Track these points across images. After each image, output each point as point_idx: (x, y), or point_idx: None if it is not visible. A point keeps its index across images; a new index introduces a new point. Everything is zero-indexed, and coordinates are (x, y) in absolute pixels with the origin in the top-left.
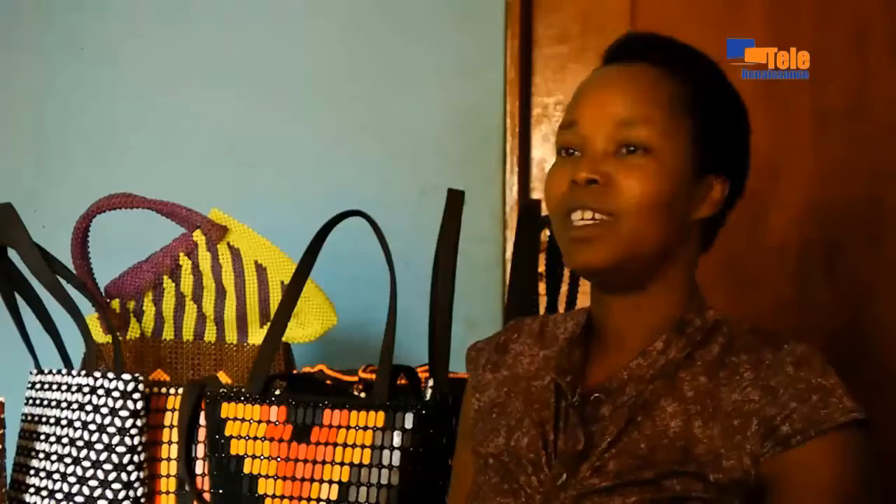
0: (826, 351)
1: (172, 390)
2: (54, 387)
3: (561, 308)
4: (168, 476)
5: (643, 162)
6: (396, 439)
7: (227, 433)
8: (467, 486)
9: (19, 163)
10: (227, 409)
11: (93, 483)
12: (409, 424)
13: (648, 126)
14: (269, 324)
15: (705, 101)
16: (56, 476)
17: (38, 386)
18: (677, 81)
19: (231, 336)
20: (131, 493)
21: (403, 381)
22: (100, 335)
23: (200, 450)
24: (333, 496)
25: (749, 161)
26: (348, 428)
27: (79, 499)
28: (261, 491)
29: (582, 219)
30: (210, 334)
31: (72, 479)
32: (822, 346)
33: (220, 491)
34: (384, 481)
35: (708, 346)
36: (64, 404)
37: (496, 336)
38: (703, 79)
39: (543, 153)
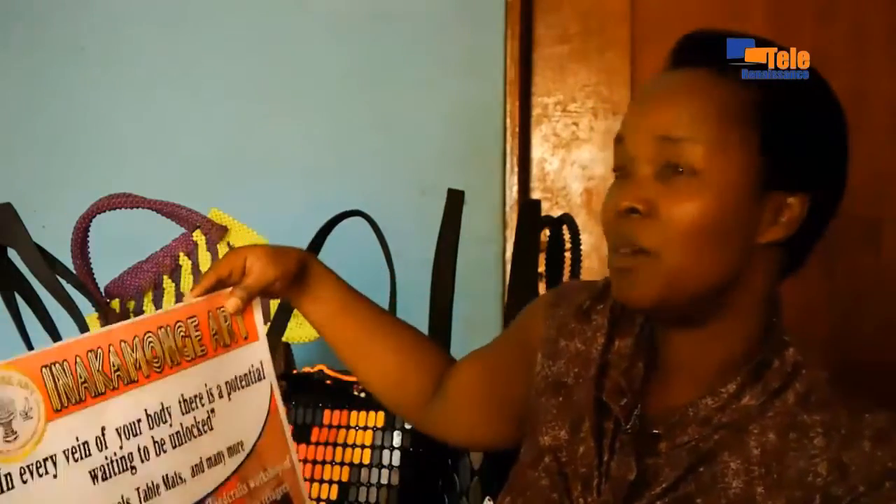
0: (825, 351)
1: None
2: None
3: None
4: None
5: (688, 185)
6: (396, 439)
7: None
8: (492, 357)
9: (19, 163)
10: None
11: None
12: (409, 424)
13: (694, 143)
14: (268, 324)
15: (777, 108)
16: None
17: None
18: (739, 87)
19: None
20: None
21: None
22: None
23: None
24: (333, 496)
25: (842, 173)
26: (348, 428)
27: None
28: None
29: (624, 251)
30: None
31: None
32: (821, 347)
33: None
34: (384, 481)
35: (784, 395)
36: None
37: (581, 294)
38: (775, 83)
39: (543, 153)
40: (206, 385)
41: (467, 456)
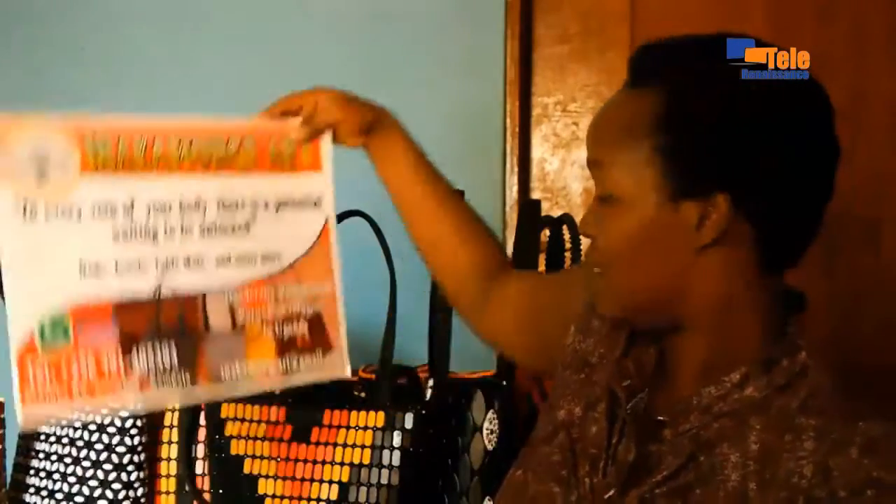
0: (824, 352)
1: None
2: None
3: None
4: (168, 476)
5: (611, 210)
6: (396, 439)
7: (227, 433)
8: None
9: None
10: (227, 409)
11: (93, 483)
12: (409, 424)
13: (609, 167)
14: None
15: (673, 116)
16: (56, 476)
17: None
18: (648, 102)
19: None
20: (131, 493)
21: (403, 381)
22: None
23: (200, 450)
24: (333, 496)
25: (778, 166)
26: (348, 428)
27: (79, 499)
28: (261, 491)
29: (596, 270)
30: None
31: (72, 479)
32: (821, 348)
33: (221, 491)
34: (384, 481)
35: (787, 396)
36: None
37: None
38: (678, 89)
39: (543, 153)
40: (251, 194)
41: (467, 456)
